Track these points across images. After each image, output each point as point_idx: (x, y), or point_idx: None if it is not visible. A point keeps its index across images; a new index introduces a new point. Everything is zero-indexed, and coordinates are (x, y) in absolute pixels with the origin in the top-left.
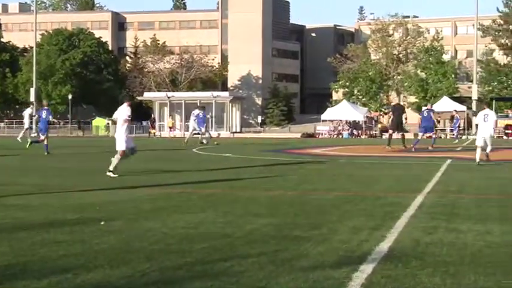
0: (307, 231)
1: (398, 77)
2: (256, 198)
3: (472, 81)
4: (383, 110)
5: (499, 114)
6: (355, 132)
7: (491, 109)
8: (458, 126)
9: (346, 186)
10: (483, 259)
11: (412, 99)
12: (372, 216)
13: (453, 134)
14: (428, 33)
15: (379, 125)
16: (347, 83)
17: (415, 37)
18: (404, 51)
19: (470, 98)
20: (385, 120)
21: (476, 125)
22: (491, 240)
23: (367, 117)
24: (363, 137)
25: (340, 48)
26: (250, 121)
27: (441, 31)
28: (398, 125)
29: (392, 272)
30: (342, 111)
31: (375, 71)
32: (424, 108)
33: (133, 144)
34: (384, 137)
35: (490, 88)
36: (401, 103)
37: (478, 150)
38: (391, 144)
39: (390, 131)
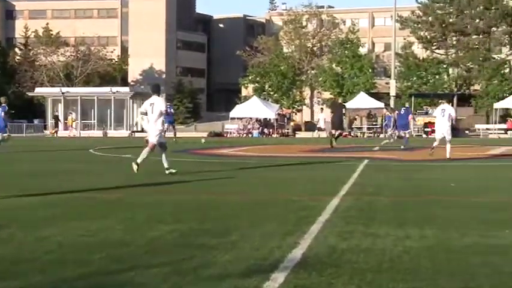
0: (216, 238)
1: (312, 72)
2: (161, 203)
3: (390, 76)
4: (296, 106)
5: (418, 111)
6: (266, 130)
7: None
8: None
9: (257, 189)
10: (402, 265)
11: (327, 95)
12: (285, 221)
13: (372, 133)
14: (344, 24)
15: (292, 123)
16: (257, 78)
17: (330, 29)
18: (318, 44)
19: (388, 94)
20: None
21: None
22: (410, 245)
23: (278, 114)
24: (274, 136)
25: (250, 40)
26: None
27: (357, 23)
28: (339, 124)
29: (306, 280)
30: (252, 108)
31: (287, 65)
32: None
33: (163, 139)
34: (297, 136)
35: (409, 84)
36: (340, 101)
37: (436, 144)
38: (333, 143)
39: (333, 131)
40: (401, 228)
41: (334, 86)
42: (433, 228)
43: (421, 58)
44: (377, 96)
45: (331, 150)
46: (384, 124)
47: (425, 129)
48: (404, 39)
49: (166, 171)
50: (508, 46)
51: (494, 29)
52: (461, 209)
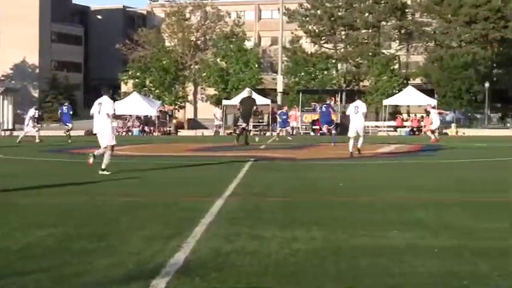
0: (93, 242)
1: (196, 67)
2: (36, 206)
3: (277, 71)
4: (178, 103)
5: (306, 108)
6: (146, 129)
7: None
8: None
9: (139, 190)
10: (288, 268)
11: (212, 91)
12: (167, 224)
13: (259, 131)
14: (229, 17)
15: (174, 121)
16: (138, 73)
17: (215, 22)
18: (202, 38)
19: (275, 90)
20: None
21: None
22: (297, 247)
23: (160, 111)
24: (155, 134)
25: (130, 33)
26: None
27: (243, 15)
28: (247, 118)
29: (189, 285)
30: (132, 105)
31: (169, 60)
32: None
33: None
34: (179, 134)
35: (297, 79)
36: (252, 96)
37: (351, 142)
38: (239, 140)
39: (243, 125)
40: (288, 229)
41: (219, 82)
42: (321, 229)
43: (309, 53)
44: (263, 92)
45: (214, 149)
46: (271, 121)
47: (314, 127)
48: (292, 33)
49: (100, 171)
50: (397, 41)
51: (383, 23)
52: (350, 210)
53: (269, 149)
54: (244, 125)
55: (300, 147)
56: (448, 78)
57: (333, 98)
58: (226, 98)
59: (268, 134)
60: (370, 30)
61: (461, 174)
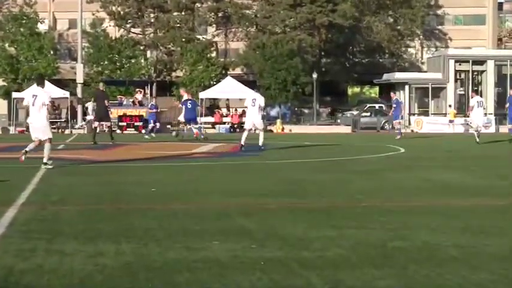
0: None
1: None
2: None
3: (76, 59)
4: None
5: (111, 102)
6: None
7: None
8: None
9: None
10: (94, 287)
11: (0, 82)
12: None
13: (56, 128)
14: None
15: None
16: None
17: (1, 1)
18: None
19: (74, 80)
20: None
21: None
22: (103, 262)
23: None
24: None
25: None
26: None
27: None
28: (102, 115)
29: None
30: None
31: None
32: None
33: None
34: None
35: (100, 69)
36: (102, 88)
37: (245, 133)
38: (95, 139)
39: (95, 124)
40: (92, 243)
41: (8, 71)
42: (131, 241)
43: (113, 38)
44: (61, 83)
45: (3, 150)
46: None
47: (120, 124)
48: (94, 14)
49: (43, 166)
50: (214, 25)
51: (198, 5)
52: (164, 218)
53: (69, 149)
54: (96, 123)
55: (105, 147)
56: (272, 68)
57: (142, 91)
58: (17, 90)
59: (67, 131)
60: (183, 13)
61: (288, 176)
